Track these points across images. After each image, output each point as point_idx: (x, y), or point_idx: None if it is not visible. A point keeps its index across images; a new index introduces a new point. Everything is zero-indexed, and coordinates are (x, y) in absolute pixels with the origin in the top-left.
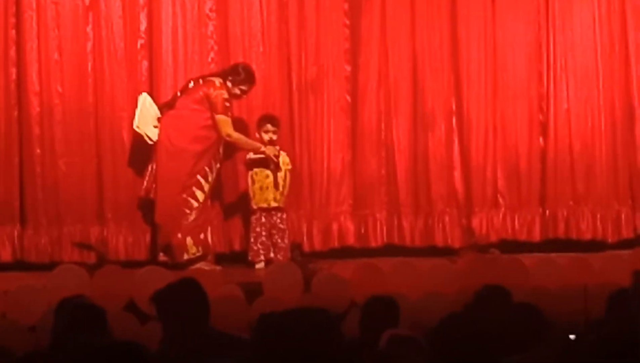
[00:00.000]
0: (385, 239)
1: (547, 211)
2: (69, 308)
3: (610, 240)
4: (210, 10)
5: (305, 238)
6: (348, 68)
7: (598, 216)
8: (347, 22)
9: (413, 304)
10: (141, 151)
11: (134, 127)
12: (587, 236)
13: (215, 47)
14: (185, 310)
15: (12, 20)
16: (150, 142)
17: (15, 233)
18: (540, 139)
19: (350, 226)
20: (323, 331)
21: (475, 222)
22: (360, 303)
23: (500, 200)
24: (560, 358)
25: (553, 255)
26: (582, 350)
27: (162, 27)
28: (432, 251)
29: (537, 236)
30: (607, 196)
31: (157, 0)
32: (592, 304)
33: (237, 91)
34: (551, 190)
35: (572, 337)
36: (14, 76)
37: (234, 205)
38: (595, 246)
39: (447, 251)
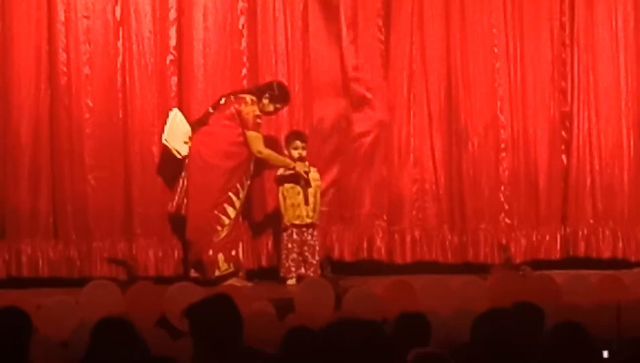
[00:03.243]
0: (417, 255)
1: (568, 229)
2: (105, 326)
3: (633, 259)
4: (242, 26)
5: (337, 253)
6: (384, 83)
7: (619, 234)
8: (382, 37)
9: (444, 321)
10: (170, 165)
11: (163, 140)
12: (607, 254)
13: (247, 64)
14: (219, 326)
15: (45, 34)
16: (179, 156)
17: (49, 248)
18: (564, 156)
19: (383, 242)
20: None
21: (504, 239)
22: (392, 320)
23: (521, 218)
24: None
25: (584, 272)
26: None
27: (193, 43)
28: (464, 268)
29: (557, 254)
30: (629, 215)
31: (187, 16)
32: (625, 321)
33: (271, 108)
34: (572, 208)
35: (605, 354)
36: (49, 90)
37: (265, 222)
38: (617, 264)
39: (479, 269)
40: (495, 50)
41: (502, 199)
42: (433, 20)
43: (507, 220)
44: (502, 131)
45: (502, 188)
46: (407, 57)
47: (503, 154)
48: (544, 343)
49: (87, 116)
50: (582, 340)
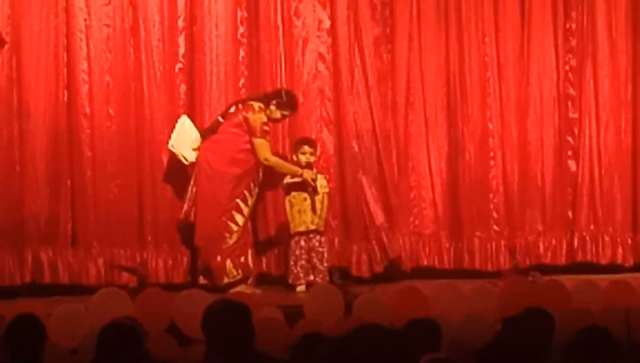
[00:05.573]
0: (424, 262)
1: (571, 235)
2: (112, 331)
3: (627, 264)
4: (242, 35)
5: (346, 260)
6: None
7: (618, 240)
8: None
9: (454, 327)
10: (177, 172)
11: (169, 146)
12: (605, 260)
13: (246, 73)
14: (233, 332)
15: (63, 40)
16: (185, 162)
17: (69, 256)
18: (570, 162)
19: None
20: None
21: (511, 245)
22: (401, 326)
23: (527, 223)
24: None
25: (593, 277)
26: None
27: (205, 50)
28: (471, 274)
29: (562, 259)
30: (626, 220)
31: (196, 25)
32: (635, 326)
33: (278, 115)
34: (578, 214)
35: None
36: (67, 99)
37: (274, 229)
38: (614, 269)
39: (487, 275)
40: (487, 59)
41: (492, 206)
42: (432, 28)
43: (495, 227)
44: (491, 140)
45: (491, 195)
46: (406, 64)
47: (492, 163)
48: (569, 347)
49: (108, 124)
50: (608, 345)
